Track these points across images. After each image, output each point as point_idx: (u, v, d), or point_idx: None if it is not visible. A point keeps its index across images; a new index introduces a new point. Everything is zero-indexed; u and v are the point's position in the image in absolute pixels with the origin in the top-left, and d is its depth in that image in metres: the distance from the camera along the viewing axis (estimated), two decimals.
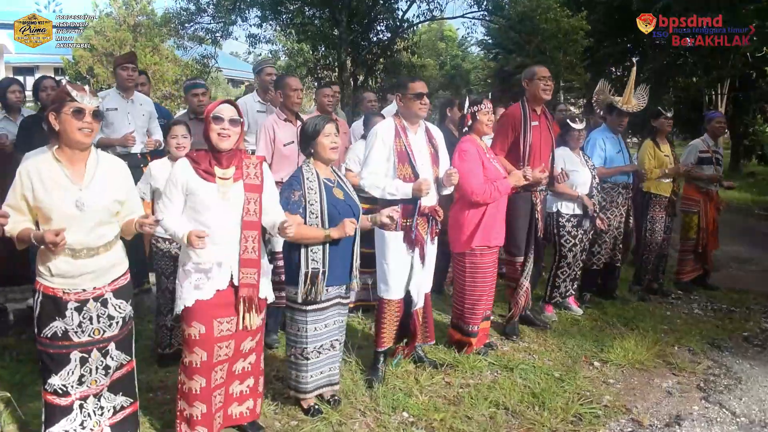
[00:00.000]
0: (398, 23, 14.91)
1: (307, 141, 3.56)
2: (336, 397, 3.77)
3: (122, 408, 3.09)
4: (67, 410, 2.84)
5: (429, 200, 4.10)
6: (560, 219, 5.40)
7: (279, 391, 3.89)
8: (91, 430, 2.93)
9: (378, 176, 4.04)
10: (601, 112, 5.97)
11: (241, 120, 3.13)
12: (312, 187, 3.44)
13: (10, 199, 2.73)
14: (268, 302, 3.34)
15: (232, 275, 3.11)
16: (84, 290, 2.82)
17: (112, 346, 2.95)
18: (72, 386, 2.84)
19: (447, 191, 4.26)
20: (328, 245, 3.43)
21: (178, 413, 3.16)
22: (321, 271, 3.42)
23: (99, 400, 2.97)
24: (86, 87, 2.81)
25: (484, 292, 4.55)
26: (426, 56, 33.74)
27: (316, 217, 3.41)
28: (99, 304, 2.88)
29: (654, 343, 4.79)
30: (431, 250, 4.24)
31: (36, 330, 2.82)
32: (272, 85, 5.85)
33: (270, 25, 14.50)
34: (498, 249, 4.64)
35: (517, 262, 4.92)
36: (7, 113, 5.51)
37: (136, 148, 5.40)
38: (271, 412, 3.67)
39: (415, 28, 15.97)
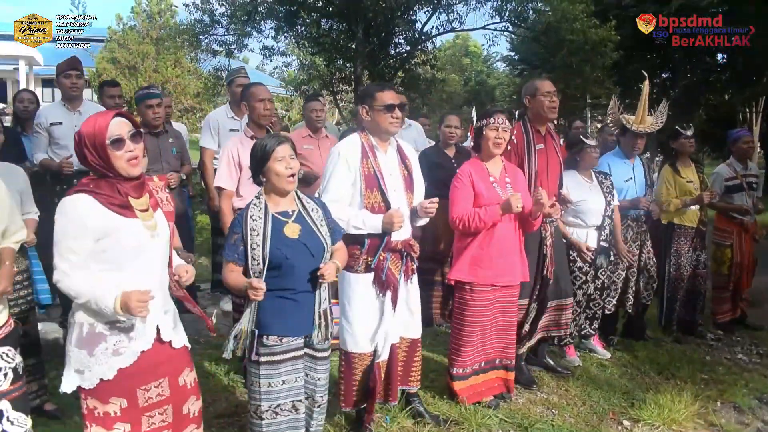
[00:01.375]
0: (417, 35, 14.42)
1: (257, 167, 2.92)
2: None
3: None
4: None
5: (402, 233, 3.48)
6: (571, 252, 4.75)
7: None
8: None
9: (340, 205, 3.39)
10: (616, 131, 5.33)
11: (141, 131, 2.50)
12: (255, 228, 2.82)
13: None
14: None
15: (158, 329, 2.51)
16: None
17: (6, 405, 2.43)
18: None
19: (421, 222, 3.66)
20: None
21: None
22: (250, 330, 2.83)
23: None
24: None
25: (474, 334, 3.92)
26: (450, 72, 33.29)
27: (258, 263, 2.80)
28: None
29: (693, 398, 4.12)
30: (411, 291, 3.62)
31: None
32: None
33: (285, 36, 14.14)
34: (511, 291, 3.99)
35: (520, 305, 4.21)
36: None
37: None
38: None
39: (434, 40, 15.49)
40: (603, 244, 4.78)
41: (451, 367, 3.98)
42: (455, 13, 14.17)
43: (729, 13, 13.22)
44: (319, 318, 2.94)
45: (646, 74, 5.27)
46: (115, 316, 2.29)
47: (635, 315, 5.34)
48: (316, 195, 4.24)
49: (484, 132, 3.86)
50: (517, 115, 4.43)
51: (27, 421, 2.53)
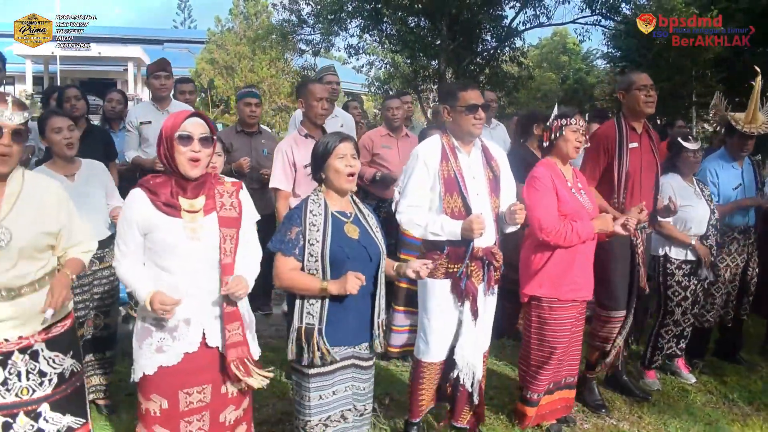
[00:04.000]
0: (504, 31, 13.92)
1: (318, 164, 2.80)
2: None
3: None
4: None
5: (485, 240, 3.23)
6: (669, 265, 4.32)
7: None
8: None
9: (418, 210, 3.22)
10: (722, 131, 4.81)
11: (214, 138, 2.49)
12: (315, 223, 2.68)
13: None
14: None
15: (204, 334, 2.47)
16: (6, 340, 2.30)
17: (45, 407, 2.40)
18: None
19: (511, 229, 3.36)
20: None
21: None
22: (317, 329, 2.66)
23: None
24: (8, 98, 2.24)
25: (554, 355, 3.58)
26: (546, 69, 32.25)
27: (316, 260, 2.65)
28: (28, 357, 2.36)
29: None
30: (489, 302, 3.37)
31: None
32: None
33: (370, 35, 14.10)
34: (583, 306, 3.67)
35: (614, 317, 3.90)
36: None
37: None
38: None
39: (522, 36, 14.93)
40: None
41: (526, 390, 3.67)
42: (543, 6, 13.61)
43: None
44: (378, 328, 2.79)
45: (758, 69, 4.70)
46: (146, 308, 2.37)
47: (731, 331, 4.84)
48: (396, 196, 4.05)
49: (564, 133, 3.54)
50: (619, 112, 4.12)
51: (62, 419, 2.50)
